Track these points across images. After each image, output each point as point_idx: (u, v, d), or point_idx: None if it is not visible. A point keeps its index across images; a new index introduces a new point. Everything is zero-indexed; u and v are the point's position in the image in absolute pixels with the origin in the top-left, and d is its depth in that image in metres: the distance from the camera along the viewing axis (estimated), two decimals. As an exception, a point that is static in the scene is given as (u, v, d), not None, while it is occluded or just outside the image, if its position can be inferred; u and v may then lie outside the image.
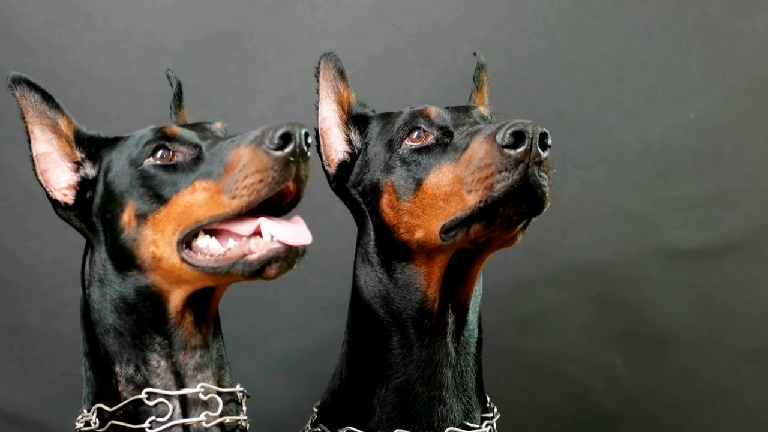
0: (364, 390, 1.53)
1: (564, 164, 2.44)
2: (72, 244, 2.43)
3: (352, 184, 1.57)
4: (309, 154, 1.28)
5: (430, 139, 1.48)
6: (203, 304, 1.42)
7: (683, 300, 2.58)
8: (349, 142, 1.59)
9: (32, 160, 1.46)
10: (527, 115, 1.47)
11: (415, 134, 1.49)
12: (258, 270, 1.28)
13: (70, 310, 2.42)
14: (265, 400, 2.33)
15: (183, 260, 1.32)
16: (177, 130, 1.41)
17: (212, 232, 1.33)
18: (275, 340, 2.58)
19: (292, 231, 1.28)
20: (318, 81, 1.61)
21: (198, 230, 1.32)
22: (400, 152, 1.48)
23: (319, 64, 1.60)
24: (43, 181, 1.46)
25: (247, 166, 1.26)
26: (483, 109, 1.59)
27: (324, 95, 1.61)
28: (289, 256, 1.27)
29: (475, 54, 1.76)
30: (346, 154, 1.59)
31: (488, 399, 1.63)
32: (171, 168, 1.37)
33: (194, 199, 1.31)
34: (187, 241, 1.33)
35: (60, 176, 1.45)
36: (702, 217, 2.57)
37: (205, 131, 1.45)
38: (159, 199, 1.35)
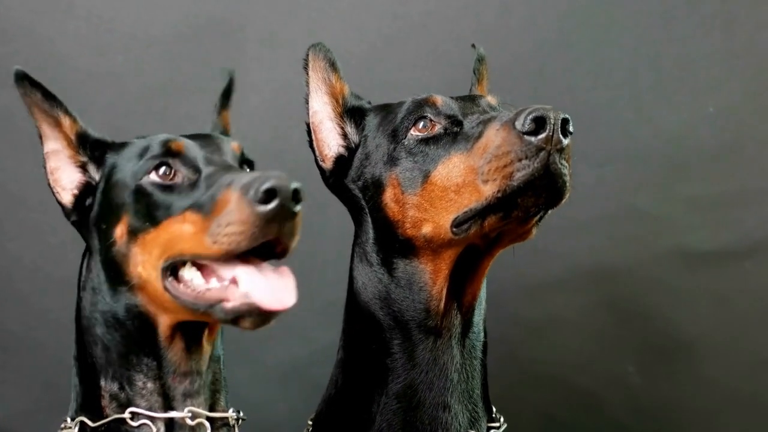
0: (363, 397, 1.54)
1: (575, 161, 2.44)
2: (53, 247, 2.46)
3: (351, 179, 1.58)
4: (298, 209, 1.27)
5: (438, 128, 1.49)
6: (197, 331, 1.42)
7: (702, 305, 2.58)
8: (345, 135, 1.61)
9: (44, 158, 1.48)
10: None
11: (421, 124, 1.49)
12: (232, 320, 1.27)
13: (51, 316, 2.45)
14: (258, 411, 2.33)
15: (165, 288, 1.33)
16: (183, 146, 1.41)
17: (200, 266, 1.33)
18: (268, 348, 2.58)
19: (272, 290, 1.27)
20: (307, 73, 1.62)
21: (185, 261, 1.32)
22: (406, 143, 1.49)
23: (308, 56, 1.61)
24: (51, 181, 1.48)
25: (230, 213, 1.25)
26: (491, 99, 1.60)
27: (314, 88, 1.62)
28: (263, 312, 1.25)
29: (473, 46, 1.77)
30: (342, 149, 1.60)
31: (494, 409, 1.64)
32: (168, 189, 1.36)
33: (182, 230, 1.31)
34: (175, 268, 1.33)
35: (72, 175, 1.47)
36: (722, 217, 2.57)
37: (215, 152, 1.44)
38: (151, 219, 1.35)
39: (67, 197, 1.47)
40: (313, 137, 1.62)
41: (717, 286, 2.57)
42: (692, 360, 2.58)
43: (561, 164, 1.34)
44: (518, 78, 2.55)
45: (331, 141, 1.62)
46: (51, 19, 2.49)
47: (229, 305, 1.26)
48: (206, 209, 1.29)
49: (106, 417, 1.41)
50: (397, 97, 1.63)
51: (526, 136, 1.33)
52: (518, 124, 1.33)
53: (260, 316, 1.25)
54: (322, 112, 1.62)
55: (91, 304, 1.43)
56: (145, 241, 1.35)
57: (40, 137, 1.47)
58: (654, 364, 2.59)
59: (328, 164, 1.61)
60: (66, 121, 1.47)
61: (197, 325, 1.41)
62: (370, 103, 1.65)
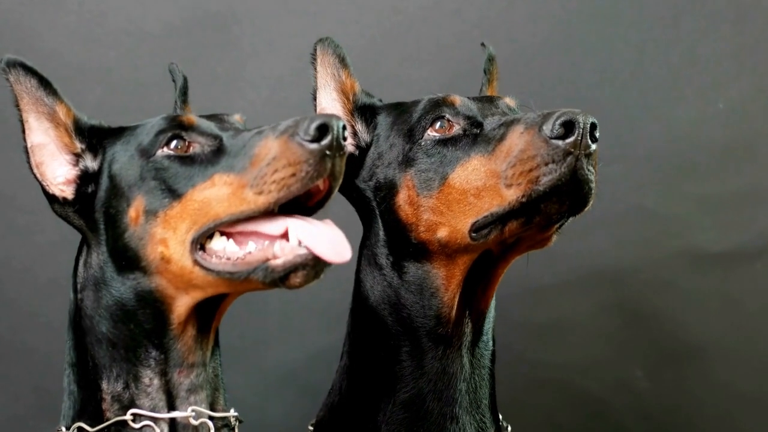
0: (368, 406, 1.53)
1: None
2: (42, 247, 2.45)
3: (362, 179, 1.57)
4: (346, 149, 1.29)
5: (456, 129, 1.48)
6: (208, 315, 1.42)
7: (712, 307, 2.58)
8: (355, 134, 1.60)
9: (26, 152, 1.45)
10: (541, 106, 1.47)
11: (438, 124, 1.49)
12: (281, 277, 1.27)
13: (41, 319, 2.44)
14: (254, 417, 2.32)
15: (196, 263, 1.32)
16: (194, 119, 1.41)
17: (228, 235, 1.32)
18: (265, 351, 2.58)
19: (330, 242, 1.27)
20: (315, 69, 1.61)
21: (214, 230, 1.32)
22: (422, 143, 1.48)
23: (315, 50, 1.60)
24: (38, 175, 1.45)
25: (277, 159, 1.26)
26: (509, 100, 1.59)
27: (323, 84, 1.61)
28: (318, 264, 1.25)
29: (483, 45, 1.77)
30: (351, 147, 1.59)
31: (501, 417, 1.63)
32: (187, 160, 1.36)
33: (213, 194, 1.31)
34: (200, 243, 1.32)
35: (57, 170, 1.45)
36: (733, 217, 2.57)
37: (224, 123, 1.45)
38: (172, 193, 1.34)
39: (57, 190, 1.45)
40: None
41: (728, 288, 2.57)
42: (702, 364, 2.58)
43: (588, 170, 1.34)
44: (522, 74, 2.54)
45: None
46: (40, 13, 2.48)
47: (278, 262, 1.26)
48: (240, 166, 1.30)
49: (107, 420, 1.40)
50: (398, 93, 1.62)
51: (553, 140, 1.32)
52: (546, 128, 1.33)
53: (314, 269, 1.26)
54: (330, 108, 1.61)
55: (95, 301, 1.42)
56: (167, 218, 1.34)
57: (23, 131, 1.44)
58: (663, 368, 2.59)
59: None
60: (61, 110, 1.45)
61: (211, 308, 1.41)
62: (381, 101, 1.64)
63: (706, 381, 2.57)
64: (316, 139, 1.25)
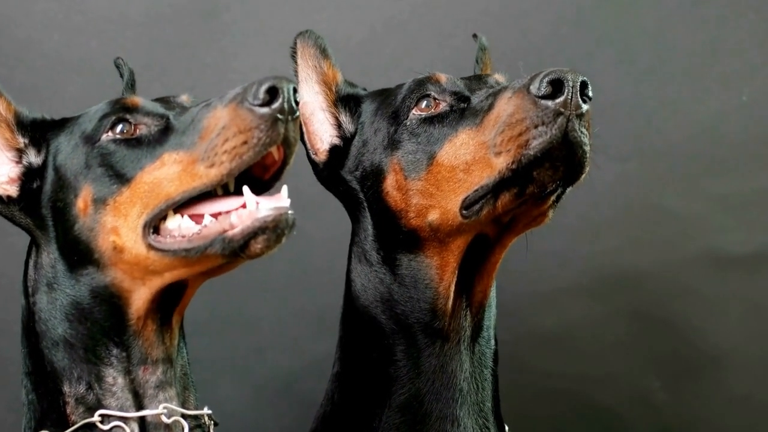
0: (362, 412, 1.53)
1: (595, 156, 2.45)
2: (18, 249, 2.44)
3: (348, 170, 1.59)
4: (298, 113, 1.30)
5: (442, 106, 1.50)
6: (168, 308, 1.43)
7: (734, 313, 2.58)
8: (339, 125, 1.62)
9: None
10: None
11: (424, 103, 1.50)
12: (241, 246, 1.27)
13: (17, 327, 2.44)
14: (245, 429, 2.34)
15: (150, 247, 1.33)
16: (138, 100, 1.44)
17: (184, 213, 1.34)
18: (257, 361, 2.58)
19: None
20: (296, 62, 1.63)
21: (167, 212, 1.33)
22: (408, 124, 1.50)
23: (295, 44, 1.63)
24: None
25: (227, 128, 1.27)
26: (498, 76, 1.61)
27: (304, 77, 1.63)
28: (277, 226, 1.27)
29: (475, 36, 1.80)
30: (336, 139, 1.61)
31: (507, 428, 1.63)
32: (134, 142, 1.38)
33: (163, 174, 1.33)
34: (154, 225, 1.34)
35: (1, 168, 1.47)
36: (756, 217, 2.58)
37: (171, 104, 1.47)
38: (120, 178, 1.36)
39: (0, 190, 1.47)
40: (304, 130, 1.63)
41: (751, 293, 2.57)
42: (723, 374, 2.58)
43: (580, 132, 1.34)
44: (530, 65, 2.52)
45: (323, 133, 1.62)
46: (17, -1, 2.50)
47: (236, 230, 1.27)
48: (190, 142, 1.31)
49: (73, 424, 1.41)
50: (397, 83, 1.63)
51: (541, 101, 1.33)
52: (533, 88, 1.34)
53: (275, 232, 1.26)
54: (313, 102, 1.63)
55: (48, 303, 1.43)
56: (117, 205, 1.36)
57: None
58: (681, 378, 2.59)
59: (321, 157, 1.62)
60: (1, 104, 1.48)
61: (171, 301, 1.43)
62: (365, 89, 1.66)
63: (727, 392, 2.58)
64: (267, 102, 1.26)
